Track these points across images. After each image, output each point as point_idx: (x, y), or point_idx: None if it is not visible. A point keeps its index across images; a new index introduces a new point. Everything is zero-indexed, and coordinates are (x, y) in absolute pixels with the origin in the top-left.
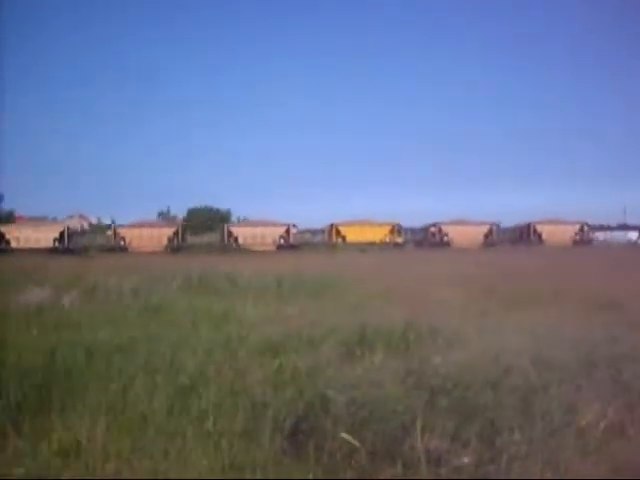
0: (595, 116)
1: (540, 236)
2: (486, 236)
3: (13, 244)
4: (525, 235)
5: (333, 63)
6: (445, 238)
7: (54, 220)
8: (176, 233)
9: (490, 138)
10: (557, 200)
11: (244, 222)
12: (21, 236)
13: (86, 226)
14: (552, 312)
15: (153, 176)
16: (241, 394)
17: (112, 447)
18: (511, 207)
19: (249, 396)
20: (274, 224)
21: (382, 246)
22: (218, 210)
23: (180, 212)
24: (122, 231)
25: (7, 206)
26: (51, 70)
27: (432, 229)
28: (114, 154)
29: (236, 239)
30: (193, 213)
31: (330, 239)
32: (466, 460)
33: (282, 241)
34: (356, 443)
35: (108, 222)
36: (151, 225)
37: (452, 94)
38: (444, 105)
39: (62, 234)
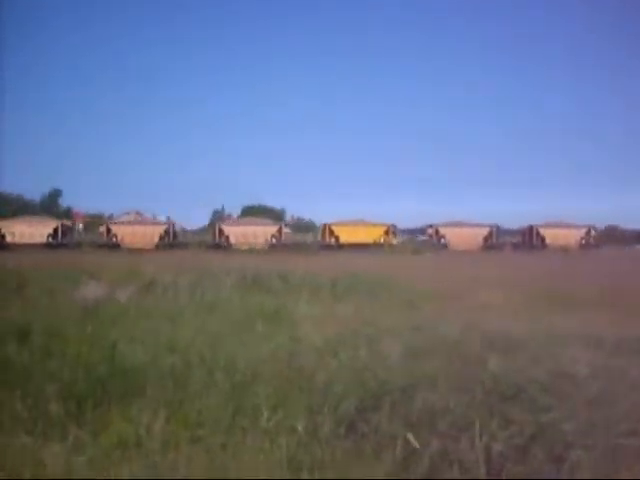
0: (597, 116)
1: (543, 240)
2: (485, 239)
3: (8, 239)
4: (527, 238)
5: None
6: (442, 240)
7: (110, 217)
8: (167, 231)
9: (492, 138)
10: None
11: (236, 221)
12: (16, 231)
13: None
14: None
15: (209, 174)
16: (300, 391)
17: (171, 439)
18: (523, 209)
19: (308, 393)
20: (265, 223)
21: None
22: (272, 209)
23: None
24: (114, 228)
25: (65, 202)
26: (102, 71)
27: (429, 231)
28: (171, 152)
29: (227, 238)
30: (248, 212)
31: (323, 239)
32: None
33: (274, 240)
34: (416, 444)
35: (163, 219)
36: (143, 223)
37: (453, 94)
38: (447, 105)
39: (56, 230)
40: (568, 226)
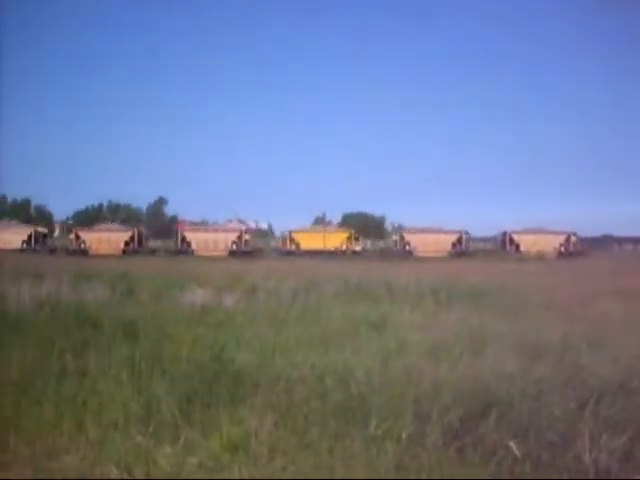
0: None
1: (518, 246)
2: (454, 245)
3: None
4: (501, 245)
5: None
6: (407, 247)
7: (214, 224)
8: (132, 238)
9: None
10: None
11: (197, 227)
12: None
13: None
14: None
15: (312, 181)
16: (407, 398)
17: (279, 444)
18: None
19: (415, 400)
20: (226, 229)
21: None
22: (373, 216)
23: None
24: (82, 234)
25: (171, 211)
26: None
27: (394, 237)
28: (274, 160)
29: (189, 244)
30: (348, 219)
31: (284, 245)
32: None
33: (234, 247)
34: (518, 453)
35: (264, 226)
36: (109, 229)
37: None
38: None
39: (30, 237)
40: (546, 232)
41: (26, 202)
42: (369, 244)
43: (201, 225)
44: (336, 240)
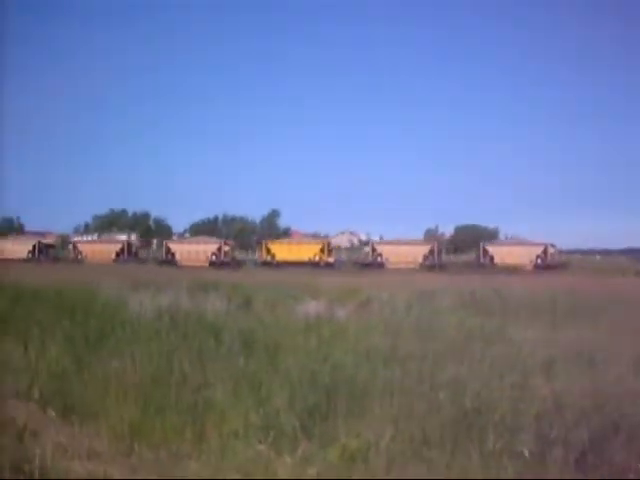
0: None
1: (492, 258)
2: (425, 257)
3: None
4: (475, 257)
5: None
6: (379, 258)
7: (325, 236)
8: (122, 249)
9: None
10: None
11: (180, 239)
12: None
13: (356, 242)
14: None
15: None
16: (525, 415)
17: (396, 457)
18: None
19: (533, 417)
20: (206, 241)
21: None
22: (485, 228)
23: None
24: (80, 246)
25: (284, 222)
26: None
27: (366, 248)
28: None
29: (173, 255)
30: (460, 230)
31: (260, 256)
32: None
33: (214, 258)
34: None
35: (376, 238)
36: (102, 241)
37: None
38: None
39: (34, 247)
40: (521, 244)
41: (146, 215)
42: (343, 255)
43: (184, 238)
44: (310, 251)
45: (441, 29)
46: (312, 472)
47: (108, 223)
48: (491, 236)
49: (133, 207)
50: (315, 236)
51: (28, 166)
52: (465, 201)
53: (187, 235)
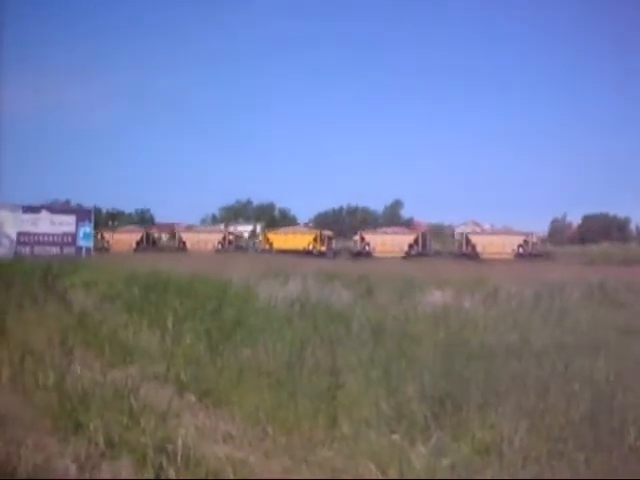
0: None
1: (474, 247)
2: (410, 246)
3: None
4: (457, 246)
5: None
6: (367, 247)
7: (449, 227)
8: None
9: None
10: None
11: (189, 229)
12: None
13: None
14: None
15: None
16: None
17: (532, 451)
18: None
19: None
20: (212, 231)
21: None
22: (616, 217)
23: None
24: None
25: (407, 213)
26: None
27: (355, 237)
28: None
29: (184, 243)
30: (588, 220)
31: (263, 245)
32: None
33: (220, 246)
34: None
35: (499, 228)
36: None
37: None
38: None
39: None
40: (503, 233)
41: (271, 206)
42: (334, 244)
43: (194, 227)
44: (304, 241)
45: None
46: (446, 463)
47: (234, 214)
48: (622, 226)
49: (259, 198)
50: (438, 226)
51: (159, 162)
52: (595, 190)
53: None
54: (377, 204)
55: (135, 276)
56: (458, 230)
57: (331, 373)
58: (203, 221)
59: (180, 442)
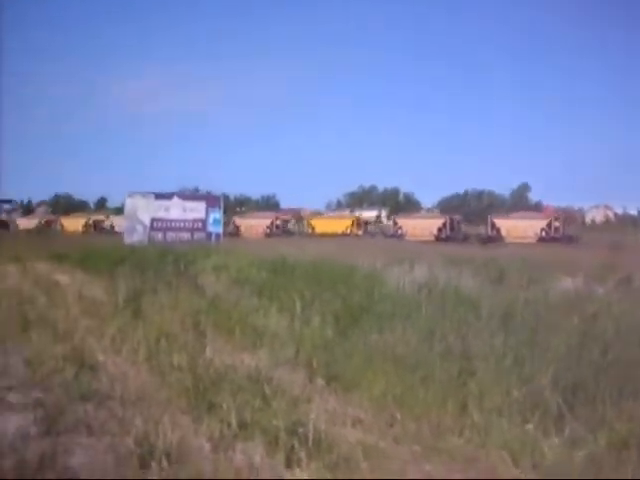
0: None
1: (499, 231)
2: (439, 230)
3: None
4: (484, 230)
5: None
6: (399, 231)
7: (579, 210)
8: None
9: None
10: None
11: (244, 215)
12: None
13: (611, 217)
14: None
15: None
16: None
17: None
18: None
19: None
20: (264, 217)
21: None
22: None
23: None
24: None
25: (535, 196)
26: None
27: (388, 222)
28: None
29: (238, 228)
30: None
31: (307, 228)
32: None
33: (268, 230)
34: None
35: (634, 212)
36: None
37: None
38: None
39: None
40: (527, 217)
41: (395, 191)
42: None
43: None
44: (344, 225)
45: None
46: (581, 455)
47: (358, 199)
48: None
49: (383, 183)
50: (567, 209)
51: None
52: None
53: (435, 210)
54: (503, 188)
55: (264, 260)
56: (589, 214)
57: (461, 359)
58: (328, 206)
59: (311, 426)
